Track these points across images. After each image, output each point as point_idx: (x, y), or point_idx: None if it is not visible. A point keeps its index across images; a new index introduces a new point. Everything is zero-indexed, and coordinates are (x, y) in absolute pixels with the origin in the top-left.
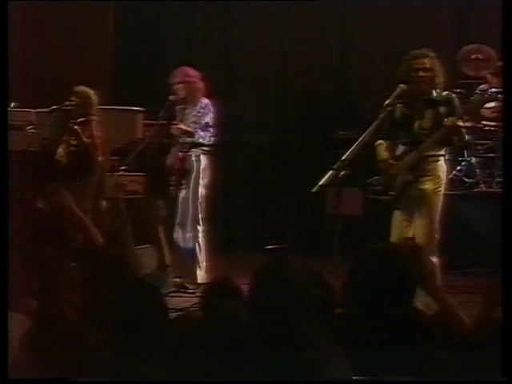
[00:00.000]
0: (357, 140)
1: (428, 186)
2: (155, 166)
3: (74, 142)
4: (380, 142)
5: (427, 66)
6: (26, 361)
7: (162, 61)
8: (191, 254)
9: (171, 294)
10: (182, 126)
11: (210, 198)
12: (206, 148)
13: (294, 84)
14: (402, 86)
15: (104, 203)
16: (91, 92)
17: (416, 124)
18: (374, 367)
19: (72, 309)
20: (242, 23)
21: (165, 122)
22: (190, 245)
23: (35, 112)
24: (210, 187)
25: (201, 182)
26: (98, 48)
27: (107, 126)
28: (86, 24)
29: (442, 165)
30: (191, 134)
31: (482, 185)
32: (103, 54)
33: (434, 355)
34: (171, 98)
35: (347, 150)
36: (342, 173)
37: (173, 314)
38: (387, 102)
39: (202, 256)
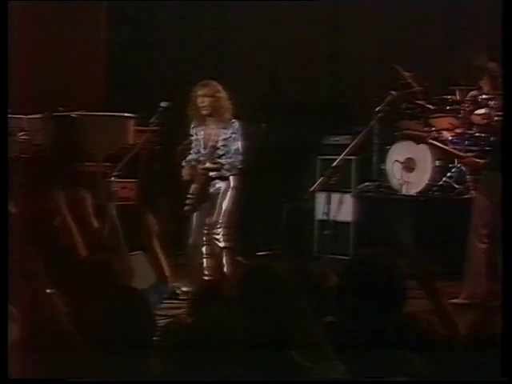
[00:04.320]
0: (348, 146)
1: None
2: (147, 172)
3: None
4: None
5: None
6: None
7: (156, 65)
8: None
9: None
10: (208, 165)
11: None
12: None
13: (285, 89)
14: (393, 92)
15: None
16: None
17: None
18: (366, 370)
19: (62, 315)
20: (236, 25)
21: (157, 128)
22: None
23: (27, 118)
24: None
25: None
26: (90, 54)
27: (99, 131)
28: (78, 28)
29: None
30: (217, 169)
31: (472, 191)
32: (95, 61)
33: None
34: (164, 104)
35: (338, 156)
36: (333, 179)
37: (162, 321)
38: (378, 108)
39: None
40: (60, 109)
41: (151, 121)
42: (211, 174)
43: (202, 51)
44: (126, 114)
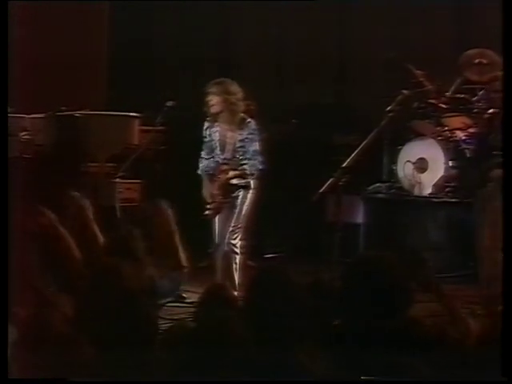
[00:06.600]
0: (357, 146)
1: None
2: (152, 173)
3: None
4: None
5: None
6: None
7: (159, 65)
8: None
9: (169, 304)
10: (231, 174)
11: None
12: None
13: (292, 90)
14: (404, 91)
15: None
16: None
17: None
18: (370, 372)
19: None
20: (240, 25)
21: (162, 127)
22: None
23: (29, 118)
24: None
25: None
26: (93, 53)
27: (103, 131)
28: (81, 28)
29: None
30: (241, 176)
31: None
32: (99, 59)
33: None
34: (169, 103)
35: (348, 157)
36: (342, 180)
37: (167, 325)
38: (389, 107)
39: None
40: (63, 108)
41: (156, 120)
42: (234, 181)
43: (205, 51)
44: (130, 114)
